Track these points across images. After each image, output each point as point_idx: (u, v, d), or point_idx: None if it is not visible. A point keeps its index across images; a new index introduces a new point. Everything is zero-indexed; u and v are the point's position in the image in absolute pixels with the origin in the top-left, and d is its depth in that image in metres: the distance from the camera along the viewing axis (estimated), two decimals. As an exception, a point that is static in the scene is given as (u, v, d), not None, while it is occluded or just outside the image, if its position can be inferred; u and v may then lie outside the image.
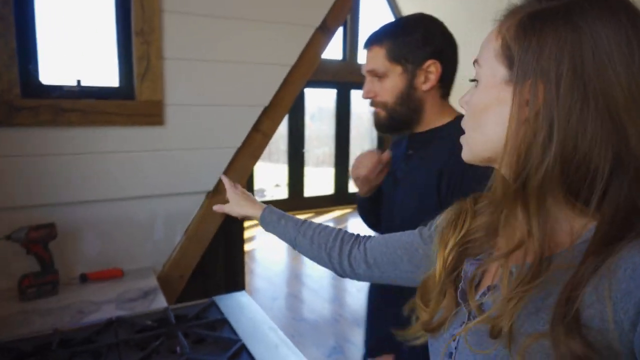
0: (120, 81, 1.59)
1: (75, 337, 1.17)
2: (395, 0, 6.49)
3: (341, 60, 6.31)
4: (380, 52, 0.99)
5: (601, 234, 0.45)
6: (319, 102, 7.68)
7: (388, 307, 0.96)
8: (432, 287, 0.62)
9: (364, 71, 1.04)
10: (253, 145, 1.85)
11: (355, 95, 6.52)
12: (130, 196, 1.68)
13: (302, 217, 1.02)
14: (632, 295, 0.41)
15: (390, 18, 6.67)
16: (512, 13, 0.53)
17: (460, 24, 5.97)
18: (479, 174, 0.70)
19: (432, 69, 0.97)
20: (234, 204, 1.03)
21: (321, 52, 1.90)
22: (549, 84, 0.46)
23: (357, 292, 3.66)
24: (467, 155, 0.59)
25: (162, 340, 1.14)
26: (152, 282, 1.63)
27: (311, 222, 0.93)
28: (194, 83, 1.65)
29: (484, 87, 0.54)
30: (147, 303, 1.44)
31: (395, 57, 0.97)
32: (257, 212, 0.98)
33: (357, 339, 2.95)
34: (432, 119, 1.02)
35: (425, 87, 0.98)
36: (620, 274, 0.42)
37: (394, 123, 1.03)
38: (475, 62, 0.56)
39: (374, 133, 7.46)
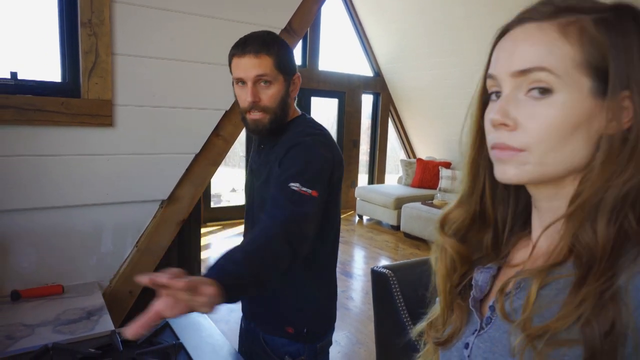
0: (64, 76, 1.43)
1: (2, 369, 1.02)
2: (356, 9, 6.54)
3: (301, 66, 6.27)
4: (269, 61, 1.09)
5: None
6: (278, 107, 7.58)
7: None
8: (440, 317, 0.62)
9: (246, 76, 1.10)
10: (213, 151, 1.73)
11: (315, 102, 6.47)
12: (73, 204, 1.52)
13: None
14: None
15: (350, 26, 6.71)
16: (568, 10, 0.48)
17: (415, 34, 6.07)
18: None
19: (297, 81, 1.18)
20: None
21: (287, 55, 1.81)
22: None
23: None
24: (532, 175, 0.50)
25: (106, 370, 1.01)
26: (97, 299, 1.47)
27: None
28: (148, 82, 1.52)
29: (570, 102, 0.47)
30: (91, 325, 1.29)
31: (280, 67, 1.11)
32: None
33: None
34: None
35: (293, 94, 1.18)
36: (638, 281, 0.41)
37: (274, 126, 1.13)
38: (540, 69, 0.47)
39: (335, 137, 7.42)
